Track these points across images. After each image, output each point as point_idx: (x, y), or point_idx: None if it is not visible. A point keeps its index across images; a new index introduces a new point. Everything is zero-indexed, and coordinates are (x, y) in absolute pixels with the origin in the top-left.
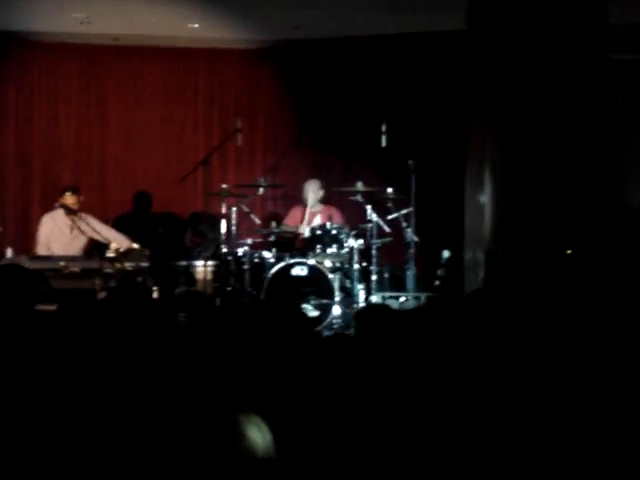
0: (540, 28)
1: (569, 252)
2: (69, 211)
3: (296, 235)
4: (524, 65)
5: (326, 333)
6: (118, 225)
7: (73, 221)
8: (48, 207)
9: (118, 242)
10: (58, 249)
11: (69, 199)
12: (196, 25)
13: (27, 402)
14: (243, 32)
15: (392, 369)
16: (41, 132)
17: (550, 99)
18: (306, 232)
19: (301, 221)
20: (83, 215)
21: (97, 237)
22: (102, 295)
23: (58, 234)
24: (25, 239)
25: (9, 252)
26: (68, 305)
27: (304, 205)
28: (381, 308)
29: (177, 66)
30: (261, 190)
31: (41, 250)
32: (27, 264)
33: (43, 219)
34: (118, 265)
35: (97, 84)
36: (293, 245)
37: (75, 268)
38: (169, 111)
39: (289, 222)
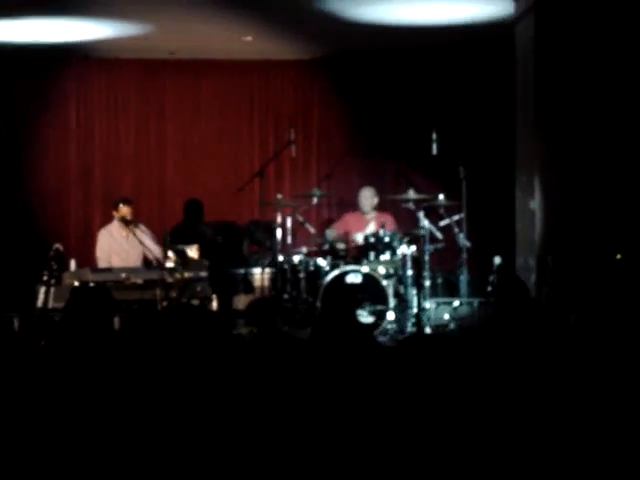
0: (591, 36)
1: (619, 257)
2: (126, 222)
3: (350, 243)
4: (573, 72)
5: (381, 339)
6: (175, 234)
7: (129, 232)
8: (109, 219)
9: (152, 253)
10: (117, 261)
11: (123, 210)
12: (250, 38)
13: (103, 413)
14: (296, 44)
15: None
16: (101, 146)
17: (598, 105)
18: (360, 239)
19: (355, 229)
20: (140, 225)
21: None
22: (163, 305)
23: (116, 247)
24: (87, 251)
25: (72, 265)
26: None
27: (357, 212)
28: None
29: (232, 78)
30: (315, 199)
31: (102, 265)
32: (90, 277)
33: (100, 234)
34: (178, 275)
35: (155, 98)
36: (347, 253)
37: (136, 279)
38: (225, 123)
39: (339, 227)
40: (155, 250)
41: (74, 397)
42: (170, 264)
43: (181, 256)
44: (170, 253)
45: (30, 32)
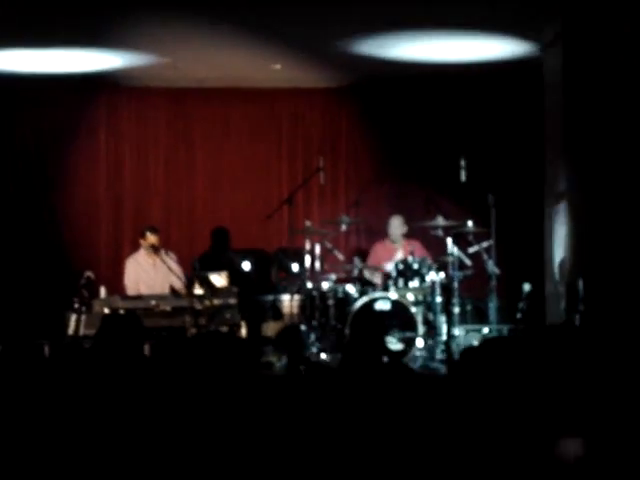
0: (619, 64)
1: None
2: (154, 249)
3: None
4: (601, 99)
5: (410, 366)
6: (203, 262)
7: (155, 259)
8: (138, 247)
9: (175, 283)
10: (144, 289)
11: (151, 238)
12: (278, 66)
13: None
14: (324, 72)
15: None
16: (131, 174)
17: (626, 132)
18: (389, 267)
19: (387, 259)
20: (169, 252)
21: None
22: (192, 332)
23: (143, 275)
24: (117, 279)
25: (102, 292)
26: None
27: (386, 240)
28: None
29: (261, 106)
30: (344, 226)
31: (130, 293)
32: (120, 304)
33: (127, 263)
34: (207, 302)
35: (184, 126)
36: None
37: (165, 306)
38: (254, 150)
39: (373, 260)
40: (177, 280)
41: (105, 423)
42: (199, 291)
43: (207, 284)
44: (196, 282)
45: (59, 62)
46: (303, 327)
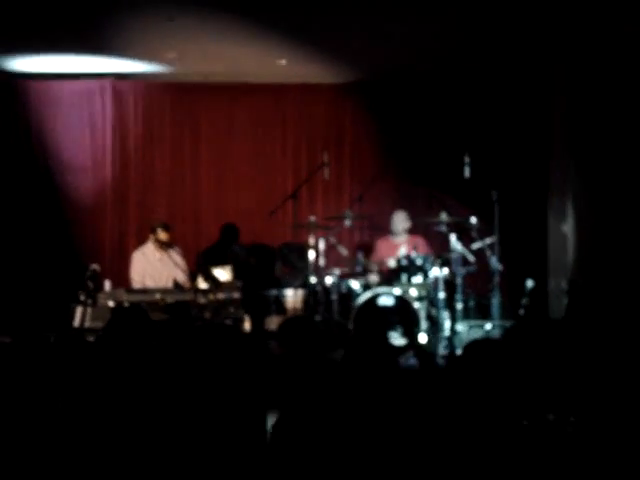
0: (622, 63)
1: None
2: (162, 244)
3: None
4: (607, 98)
5: (412, 361)
6: (207, 256)
7: (163, 253)
8: (143, 241)
9: (179, 277)
10: (150, 283)
11: (162, 235)
12: (284, 61)
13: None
14: (329, 68)
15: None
16: (137, 168)
17: (633, 130)
18: (392, 262)
19: (389, 253)
20: (175, 247)
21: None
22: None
23: (149, 269)
24: (123, 272)
25: (107, 285)
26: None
27: (389, 236)
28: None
29: (266, 101)
30: (348, 221)
31: (136, 286)
32: (124, 297)
33: (134, 256)
34: (211, 296)
35: (189, 121)
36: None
37: (170, 300)
38: (259, 145)
39: (376, 256)
40: (181, 274)
41: (110, 413)
42: (203, 285)
43: (211, 278)
44: (200, 276)
45: (65, 63)
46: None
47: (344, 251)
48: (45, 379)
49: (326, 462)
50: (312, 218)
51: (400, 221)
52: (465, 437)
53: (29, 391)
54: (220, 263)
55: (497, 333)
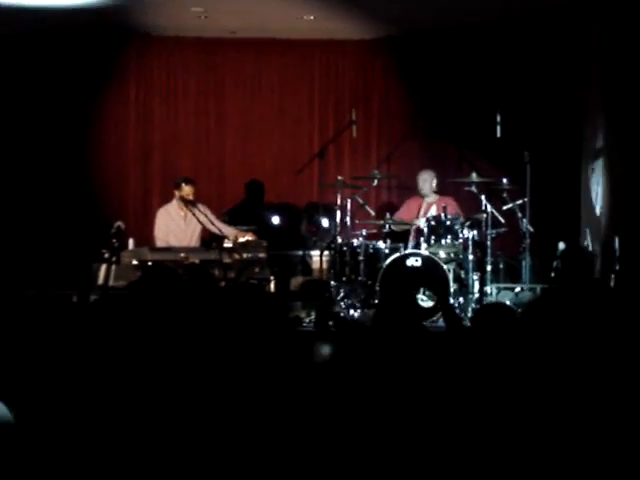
0: None
1: None
2: (186, 202)
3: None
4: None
5: (440, 323)
6: (233, 214)
7: (187, 212)
8: (168, 199)
9: (229, 233)
10: (174, 241)
11: (186, 189)
12: (312, 17)
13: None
14: (358, 23)
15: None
16: (161, 125)
17: None
18: (421, 223)
19: (417, 214)
20: (199, 205)
21: (211, 228)
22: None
23: (173, 227)
24: (146, 230)
25: (131, 243)
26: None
27: (419, 196)
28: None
29: (293, 58)
30: (375, 181)
31: (159, 244)
32: (148, 256)
33: (158, 214)
34: (236, 256)
35: (215, 77)
36: (407, 236)
37: (194, 259)
38: (285, 103)
39: (404, 215)
40: (228, 230)
41: (139, 370)
42: (228, 244)
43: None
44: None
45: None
46: (333, 282)
47: (371, 211)
48: (68, 333)
49: (349, 425)
50: (339, 178)
51: (427, 180)
52: (489, 400)
53: (51, 347)
54: (245, 223)
55: (527, 296)
